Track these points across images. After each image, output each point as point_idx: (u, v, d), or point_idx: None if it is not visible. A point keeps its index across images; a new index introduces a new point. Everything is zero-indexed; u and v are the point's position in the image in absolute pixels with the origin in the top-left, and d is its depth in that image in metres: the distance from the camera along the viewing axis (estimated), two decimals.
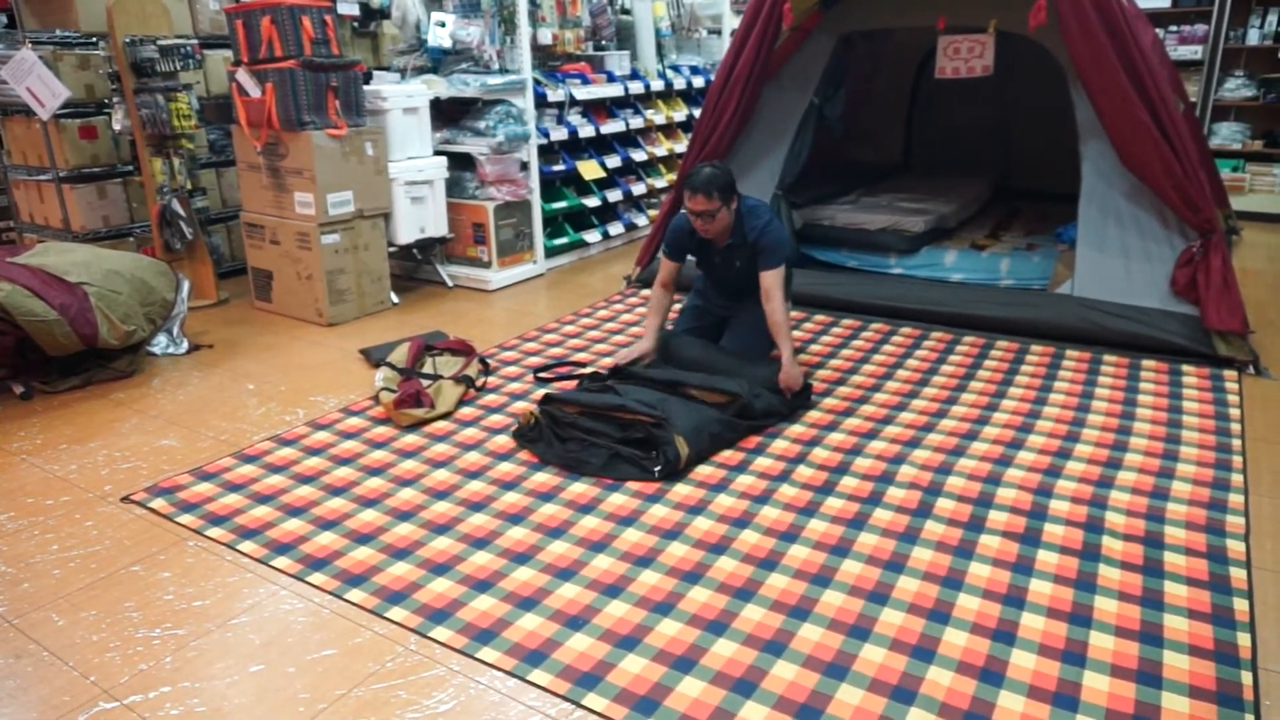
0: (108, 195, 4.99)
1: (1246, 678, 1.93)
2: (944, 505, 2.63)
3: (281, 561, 2.44)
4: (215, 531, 2.61)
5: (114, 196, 5.02)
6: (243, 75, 4.45)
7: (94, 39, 4.94)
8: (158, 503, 2.78)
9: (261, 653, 2.10)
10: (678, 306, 3.99)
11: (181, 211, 4.70)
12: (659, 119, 6.45)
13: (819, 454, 2.98)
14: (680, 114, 6.69)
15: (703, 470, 2.89)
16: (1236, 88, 6.46)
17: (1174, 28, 6.56)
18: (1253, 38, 6.33)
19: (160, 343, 4.17)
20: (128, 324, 3.74)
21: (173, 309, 4.07)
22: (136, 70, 4.49)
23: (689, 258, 3.61)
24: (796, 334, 4.04)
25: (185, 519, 2.68)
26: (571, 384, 3.62)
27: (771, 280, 3.34)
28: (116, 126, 4.68)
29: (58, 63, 4.71)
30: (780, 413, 3.23)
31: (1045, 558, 2.37)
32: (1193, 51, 6.46)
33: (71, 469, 3.05)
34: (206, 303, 4.95)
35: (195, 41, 4.73)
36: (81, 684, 2.01)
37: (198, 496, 2.81)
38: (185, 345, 4.20)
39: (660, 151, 6.51)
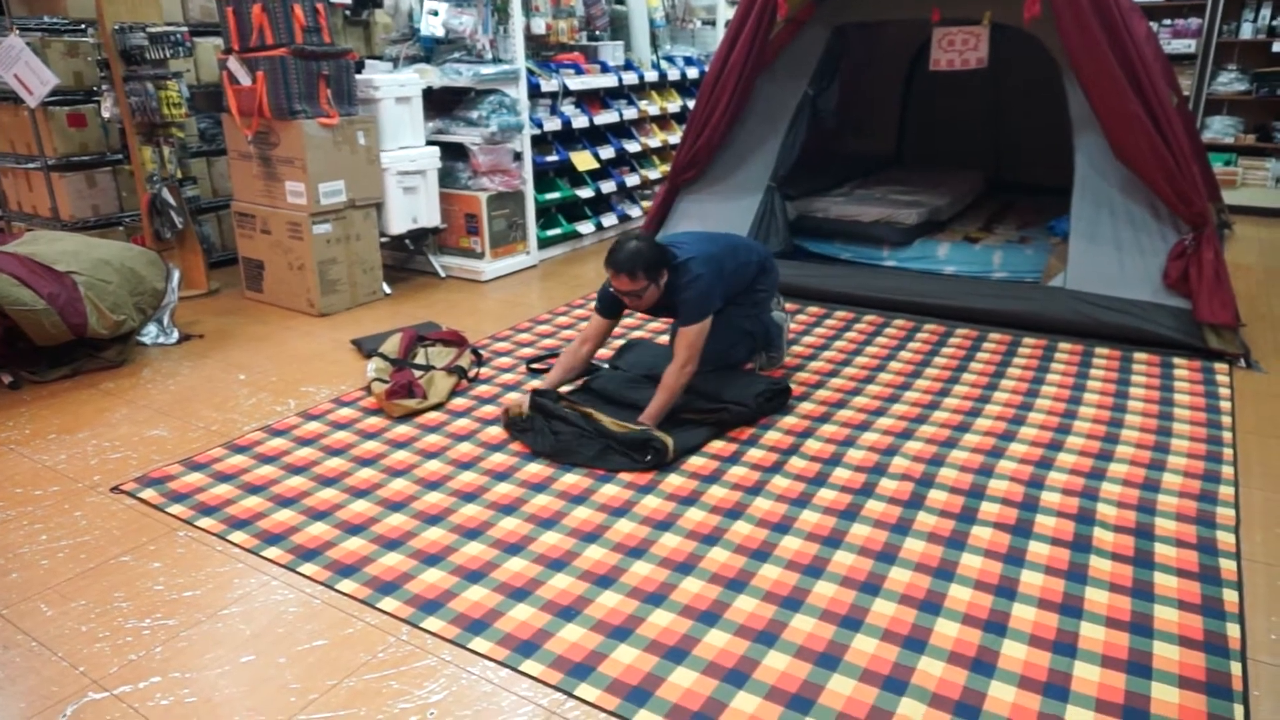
0: (97, 184, 4.95)
1: (1235, 668, 1.94)
2: (936, 497, 2.64)
3: (272, 552, 2.44)
4: (206, 522, 2.59)
5: (103, 185, 4.98)
6: (233, 63, 4.41)
7: (83, 26, 4.89)
8: (148, 493, 2.76)
9: (252, 643, 2.09)
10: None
11: (172, 200, 4.67)
12: (653, 110, 6.43)
13: (811, 445, 2.98)
14: (674, 105, 6.67)
15: (695, 461, 2.89)
16: (1229, 81, 6.47)
17: (1168, 21, 6.56)
18: (1246, 31, 6.34)
19: (150, 332, 4.14)
20: (117, 313, 3.72)
21: (163, 299, 4.05)
22: (126, 58, 4.45)
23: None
24: (791, 325, 4.03)
25: (175, 509, 2.67)
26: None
27: (681, 339, 3.03)
28: (105, 114, 4.64)
29: (46, 50, 4.66)
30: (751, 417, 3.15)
31: (1036, 549, 2.37)
32: (1186, 45, 6.47)
33: (60, 459, 3.03)
34: (197, 292, 4.92)
35: (185, 29, 4.69)
36: (71, 674, 2.00)
37: (188, 487, 2.80)
38: (175, 335, 4.18)
39: (654, 143, 6.49)
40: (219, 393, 3.57)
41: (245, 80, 4.39)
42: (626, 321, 4.22)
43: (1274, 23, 6.25)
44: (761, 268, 3.46)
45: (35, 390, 3.63)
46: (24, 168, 4.98)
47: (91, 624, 2.17)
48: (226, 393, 3.57)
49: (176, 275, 4.17)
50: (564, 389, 3.28)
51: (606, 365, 3.54)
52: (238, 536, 2.51)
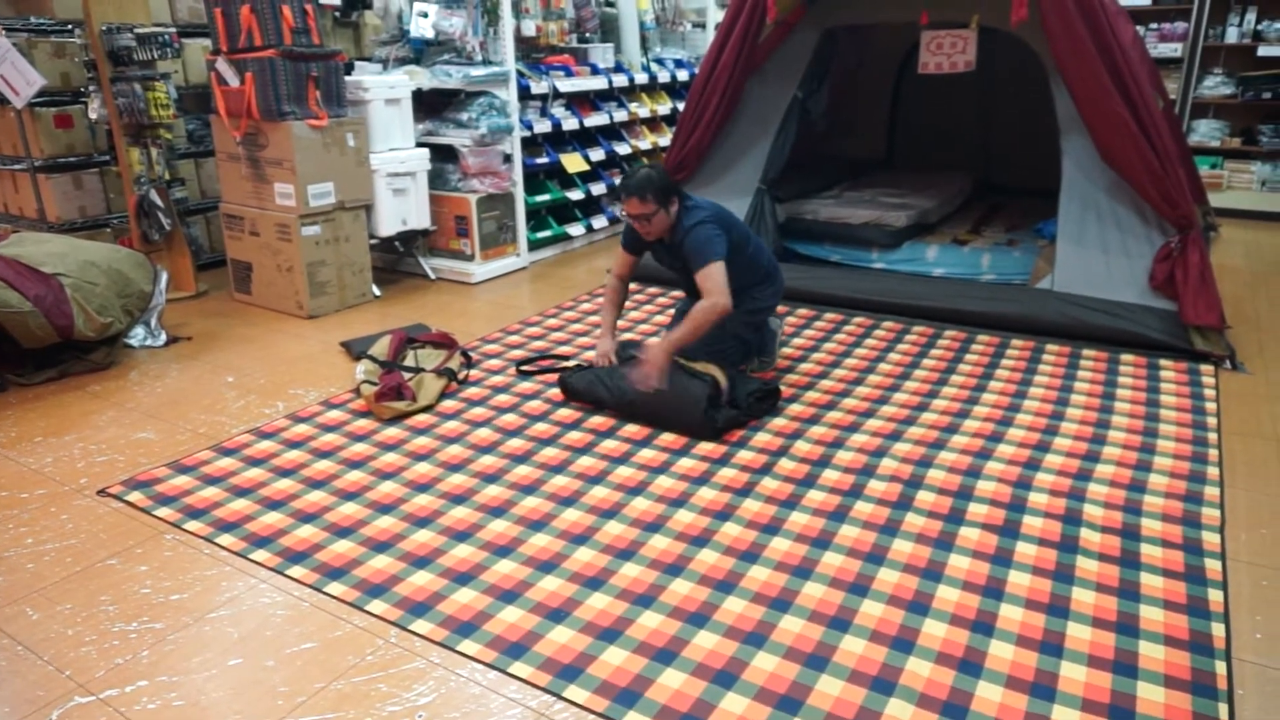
0: (84, 185, 4.93)
1: (1220, 667, 1.95)
2: (924, 498, 2.65)
3: (260, 555, 2.43)
4: (193, 525, 2.58)
5: (90, 186, 4.96)
6: (222, 64, 4.40)
7: (70, 26, 4.87)
8: (135, 496, 2.75)
9: (240, 646, 2.08)
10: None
11: (159, 202, 4.65)
12: (643, 112, 6.44)
13: (801, 447, 2.99)
14: (664, 107, 6.68)
15: (684, 463, 2.89)
16: (1215, 85, 6.52)
17: (1154, 25, 6.61)
18: (1231, 36, 6.39)
19: (138, 335, 4.12)
20: (104, 316, 3.70)
21: (150, 301, 4.03)
22: (113, 58, 4.43)
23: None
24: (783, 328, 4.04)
25: (163, 512, 2.65)
26: (553, 377, 3.61)
27: (701, 281, 3.16)
28: (92, 115, 4.62)
29: (32, 50, 4.64)
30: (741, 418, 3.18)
31: (1024, 549, 2.39)
32: (1173, 49, 6.51)
33: (47, 462, 3.01)
34: (185, 295, 4.90)
35: (173, 30, 4.67)
36: (57, 678, 1.99)
37: (175, 489, 2.79)
38: (163, 337, 4.16)
39: (644, 145, 6.49)
40: (207, 395, 3.56)
41: (234, 81, 4.37)
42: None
43: (1259, 27, 6.31)
44: (767, 275, 3.48)
45: (21, 393, 3.61)
46: (10, 169, 4.95)
47: (78, 628, 2.16)
48: (214, 395, 3.56)
49: (164, 277, 4.15)
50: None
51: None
52: (225, 539, 2.50)
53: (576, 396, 3.37)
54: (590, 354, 3.80)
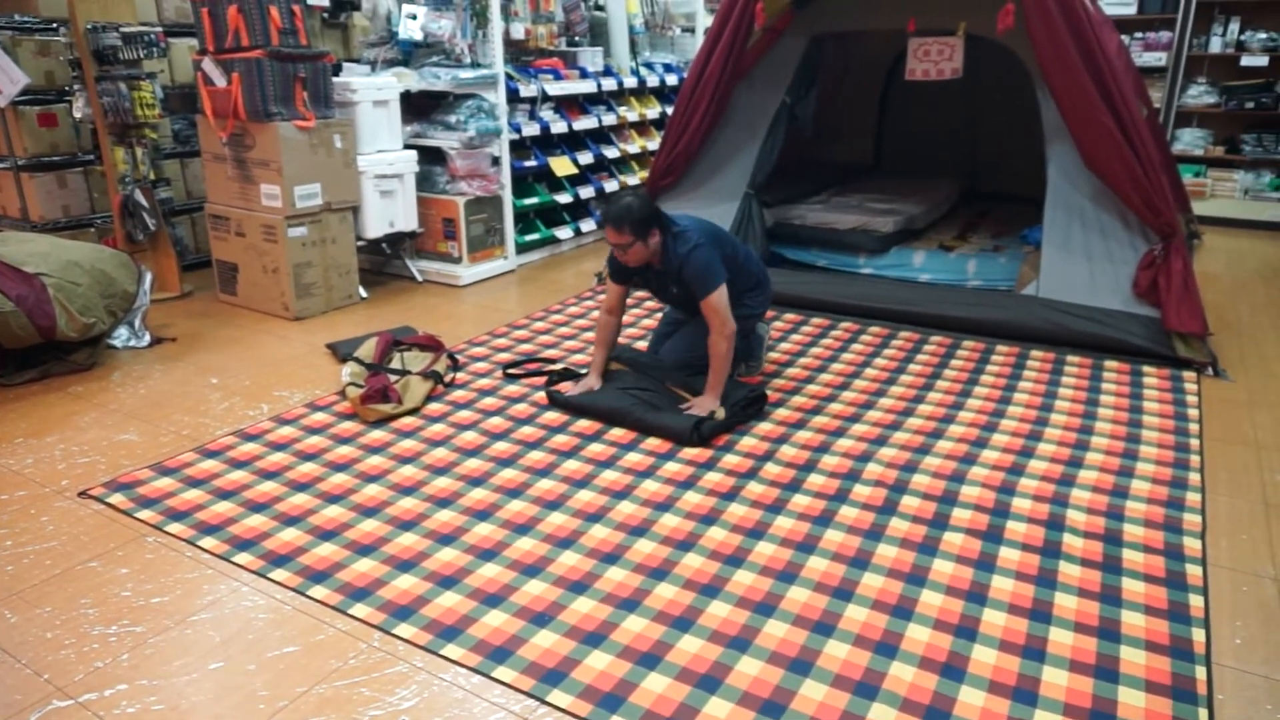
0: (68, 184, 4.89)
1: (1201, 673, 1.96)
2: (909, 503, 2.66)
3: (243, 558, 2.41)
4: (175, 527, 2.56)
5: (74, 186, 4.92)
6: (208, 64, 4.37)
7: (54, 25, 4.83)
8: (116, 498, 2.73)
9: (221, 650, 2.07)
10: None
11: (144, 202, 4.61)
12: (632, 116, 6.45)
13: (787, 451, 2.99)
14: (653, 111, 6.68)
15: (670, 468, 2.89)
16: (1199, 94, 6.58)
17: (1139, 34, 6.67)
18: (1215, 45, 6.45)
19: (121, 335, 4.09)
20: (87, 316, 3.67)
21: (134, 301, 4.00)
22: (98, 57, 4.40)
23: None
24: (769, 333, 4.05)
25: (144, 514, 2.63)
26: (540, 380, 3.61)
27: (708, 310, 3.17)
28: (77, 114, 4.59)
29: (17, 49, 4.60)
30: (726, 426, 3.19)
31: (1007, 554, 2.40)
32: (1157, 58, 6.57)
33: (27, 463, 2.98)
34: (169, 295, 4.87)
35: (159, 29, 4.65)
36: (35, 682, 1.96)
37: (157, 492, 2.76)
38: (147, 338, 4.13)
39: (633, 148, 6.50)
40: (190, 397, 3.54)
41: (220, 82, 4.35)
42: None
43: (1242, 37, 6.37)
44: (757, 282, 3.50)
45: (2, 393, 3.57)
46: None
47: (57, 631, 2.13)
48: (198, 397, 3.54)
49: (148, 278, 4.13)
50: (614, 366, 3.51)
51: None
52: (208, 542, 2.49)
53: (565, 408, 3.36)
54: (577, 357, 3.79)
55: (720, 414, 3.11)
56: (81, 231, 4.92)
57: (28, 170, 4.76)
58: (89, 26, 4.35)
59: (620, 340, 3.70)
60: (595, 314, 4.50)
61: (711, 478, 2.82)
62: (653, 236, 3.17)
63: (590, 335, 4.14)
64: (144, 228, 4.65)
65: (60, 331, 3.58)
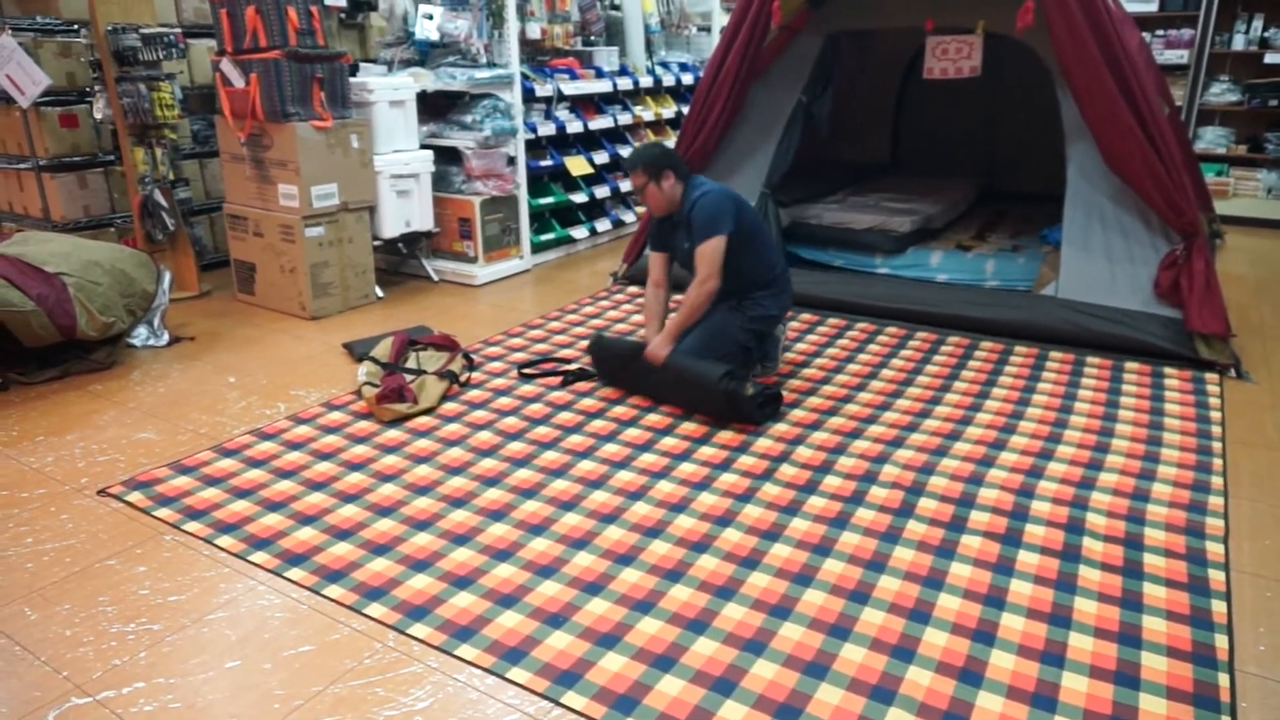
0: (89, 185, 4.94)
1: (1224, 679, 1.93)
2: (926, 505, 2.64)
3: (259, 556, 2.42)
4: (193, 526, 2.58)
5: (95, 186, 4.96)
6: (227, 65, 4.40)
7: (76, 26, 4.88)
8: (135, 496, 2.75)
9: (237, 648, 2.08)
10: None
11: (164, 202, 4.65)
12: (647, 115, 6.44)
13: (802, 452, 2.97)
14: (669, 111, 6.67)
15: (685, 468, 2.88)
16: (1221, 92, 6.50)
17: (1160, 32, 6.60)
18: (1238, 43, 6.37)
19: (140, 335, 4.13)
20: (107, 315, 3.70)
21: (153, 301, 4.03)
22: (118, 58, 4.44)
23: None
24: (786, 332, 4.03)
25: (162, 513, 2.65)
26: (556, 381, 3.61)
27: (699, 256, 3.24)
28: (98, 115, 4.63)
29: (39, 50, 4.65)
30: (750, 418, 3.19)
31: (1026, 558, 2.37)
32: (1179, 56, 6.50)
33: (48, 461, 3.01)
34: (188, 295, 4.90)
35: (179, 30, 4.69)
36: (54, 679, 1.98)
37: (175, 490, 2.78)
38: (166, 337, 4.16)
39: None
40: (208, 395, 3.56)
41: (238, 82, 4.38)
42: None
43: (1266, 34, 6.29)
44: (775, 280, 3.48)
45: (23, 392, 3.61)
46: (15, 168, 4.96)
47: (76, 628, 2.15)
48: (216, 395, 3.56)
49: (168, 277, 4.16)
50: None
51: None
52: (225, 541, 2.50)
53: (605, 369, 3.52)
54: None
55: (749, 389, 3.13)
56: (102, 231, 4.97)
57: (49, 170, 4.81)
58: (109, 28, 4.39)
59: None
60: (610, 314, 4.50)
61: (727, 479, 2.81)
62: (665, 179, 3.29)
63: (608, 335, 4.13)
64: (163, 227, 4.69)
65: (80, 330, 3.61)
